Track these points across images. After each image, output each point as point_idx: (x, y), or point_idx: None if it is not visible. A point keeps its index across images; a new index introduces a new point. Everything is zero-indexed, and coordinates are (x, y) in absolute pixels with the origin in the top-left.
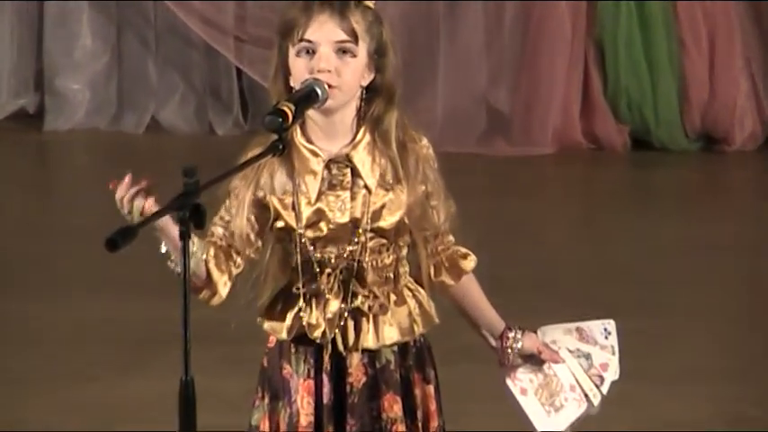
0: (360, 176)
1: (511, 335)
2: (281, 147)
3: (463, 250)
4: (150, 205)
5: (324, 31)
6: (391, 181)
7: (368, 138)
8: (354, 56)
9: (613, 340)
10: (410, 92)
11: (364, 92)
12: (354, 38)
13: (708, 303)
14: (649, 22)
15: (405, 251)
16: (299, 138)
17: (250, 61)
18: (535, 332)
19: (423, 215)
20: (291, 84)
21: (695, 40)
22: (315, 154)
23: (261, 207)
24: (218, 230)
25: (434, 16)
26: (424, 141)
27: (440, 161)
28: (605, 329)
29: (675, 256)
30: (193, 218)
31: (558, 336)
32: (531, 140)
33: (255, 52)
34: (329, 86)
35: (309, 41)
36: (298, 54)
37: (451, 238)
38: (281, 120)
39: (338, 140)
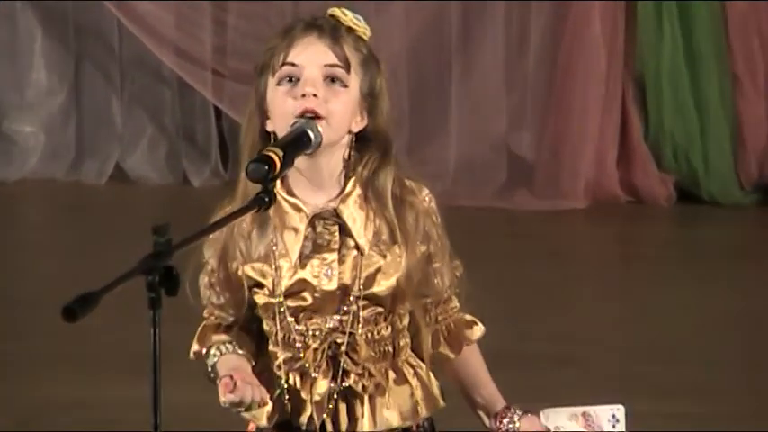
0: (350, 235)
1: (507, 416)
2: (267, 200)
3: (468, 318)
4: (265, 394)
5: (311, 52)
6: (388, 241)
7: (358, 191)
8: (345, 86)
9: (621, 427)
10: (418, 138)
11: (354, 139)
12: (346, 65)
13: (764, 388)
14: (698, 55)
15: (405, 321)
16: (278, 189)
17: (231, 99)
18: (538, 415)
19: (423, 280)
20: (269, 128)
21: (751, 75)
22: (297, 208)
23: (236, 284)
24: (224, 317)
25: (446, 48)
26: (425, 193)
27: (453, 217)
28: (613, 416)
29: (727, 330)
30: (165, 283)
31: (562, 421)
32: (559, 193)
33: (237, 89)
34: (316, 117)
35: (293, 64)
36: (279, 83)
37: (456, 304)
38: (267, 168)
39: (324, 192)
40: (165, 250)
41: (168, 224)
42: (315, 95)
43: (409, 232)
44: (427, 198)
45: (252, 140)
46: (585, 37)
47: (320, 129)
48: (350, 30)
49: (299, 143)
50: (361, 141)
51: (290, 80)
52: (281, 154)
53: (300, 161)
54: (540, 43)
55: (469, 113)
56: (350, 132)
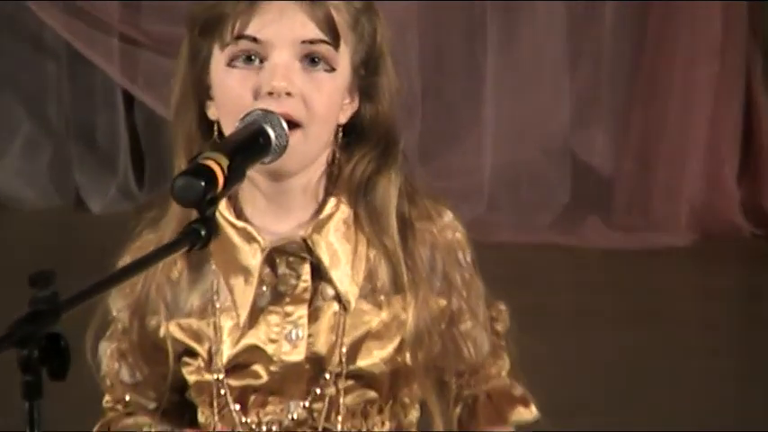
0: (328, 279)
1: None
2: (203, 233)
3: (518, 392)
4: None
5: (283, 21)
6: (386, 288)
7: (344, 211)
8: (332, 68)
9: None
10: (434, 137)
11: (341, 133)
12: (334, 37)
13: None
14: None
15: (414, 414)
16: (222, 211)
17: (148, 79)
18: None
19: (443, 351)
20: (211, 115)
21: None
22: (249, 237)
23: (157, 352)
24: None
25: (478, 4)
26: (447, 219)
27: (487, 257)
28: None
29: None
30: (48, 360)
31: None
32: (650, 222)
33: (158, 64)
34: (290, 123)
35: (254, 40)
36: (230, 63)
37: (501, 366)
38: (203, 184)
39: (291, 214)
40: (48, 310)
41: (53, 271)
42: (288, 93)
43: (421, 275)
44: (451, 226)
45: (186, 134)
46: None
47: (285, 128)
48: None
49: (253, 147)
50: (351, 133)
51: (250, 59)
52: (225, 163)
53: (257, 175)
54: (621, 7)
55: (513, 101)
56: (337, 124)
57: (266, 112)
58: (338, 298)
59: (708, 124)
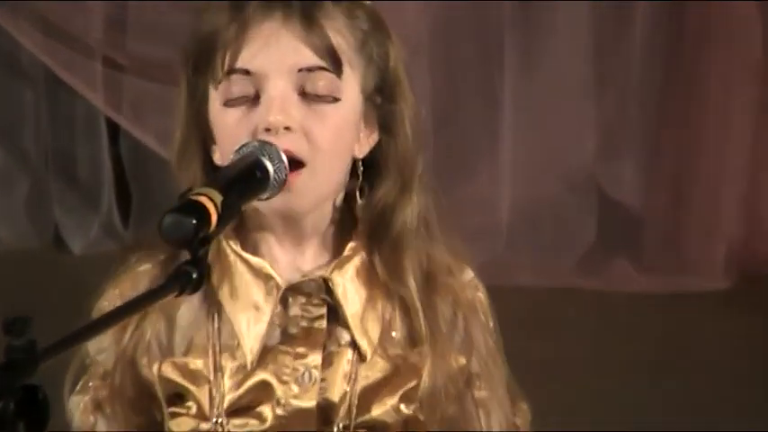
0: (345, 324)
1: None
2: (195, 276)
3: None
4: None
5: (274, 49)
6: (402, 341)
7: (362, 256)
8: (336, 99)
9: None
10: (446, 168)
11: (361, 167)
12: (334, 62)
13: None
14: None
15: None
16: (231, 244)
17: (135, 107)
18: None
19: (459, 410)
20: (218, 162)
21: None
22: (263, 275)
23: (143, 397)
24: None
25: (495, 23)
26: (468, 276)
27: (506, 303)
28: None
29: None
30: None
31: None
32: (683, 263)
33: (145, 90)
34: (292, 161)
35: (246, 72)
36: (226, 102)
37: (524, 406)
38: (194, 222)
39: (307, 251)
40: (24, 360)
41: (30, 317)
42: (287, 128)
43: (440, 328)
44: (472, 285)
45: (191, 183)
46: (727, 6)
47: (284, 160)
48: None
49: (249, 182)
50: (373, 168)
51: (245, 95)
52: (218, 199)
53: (269, 209)
54: (651, 16)
55: (532, 129)
56: (354, 158)
57: (263, 144)
58: (353, 345)
59: (747, 154)
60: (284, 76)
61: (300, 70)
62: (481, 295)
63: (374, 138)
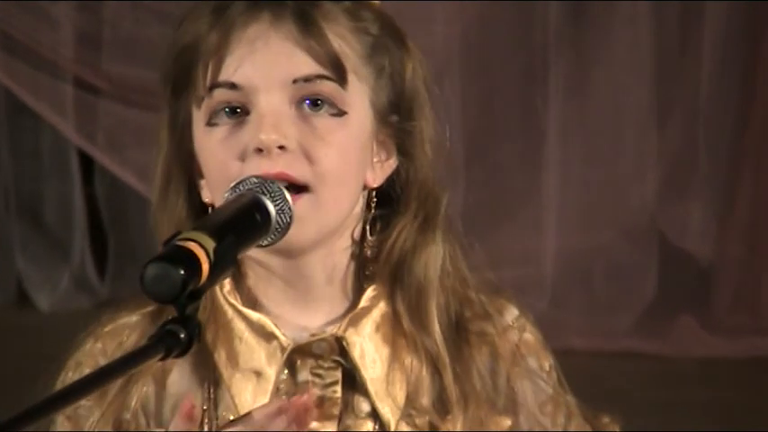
0: (364, 392)
1: None
2: (183, 337)
3: None
4: None
5: (264, 59)
6: (430, 407)
7: (383, 306)
8: (341, 112)
9: None
10: (480, 212)
11: (374, 199)
12: (337, 70)
13: None
14: None
15: None
16: (228, 297)
17: (110, 137)
18: None
19: None
20: (206, 200)
21: None
22: (266, 334)
23: None
24: None
25: (537, 47)
26: (511, 316)
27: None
28: None
29: None
30: None
31: None
32: (760, 323)
33: (123, 116)
34: (293, 189)
35: (232, 85)
36: (209, 121)
37: (606, 419)
38: (182, 273)
39: (316, 306)
40: None
41: None
42: (282, 147)
43: (474, 388)
44: (516, 326)
45: (174, 224)
46: None
47: (289, 200)
48: None
49: (247, 226)
50: (388, 200)
51: (232, 112)
52: (211, 246)
53: (271, 257)
54: (722, 32)
55: (582, 166)
56: (365, 188)
57: (263, 180)
58: (374, 415)
59: None
60: (276, 87)
61: (296, 81)
62: (529, 336)
63: (391, 164)
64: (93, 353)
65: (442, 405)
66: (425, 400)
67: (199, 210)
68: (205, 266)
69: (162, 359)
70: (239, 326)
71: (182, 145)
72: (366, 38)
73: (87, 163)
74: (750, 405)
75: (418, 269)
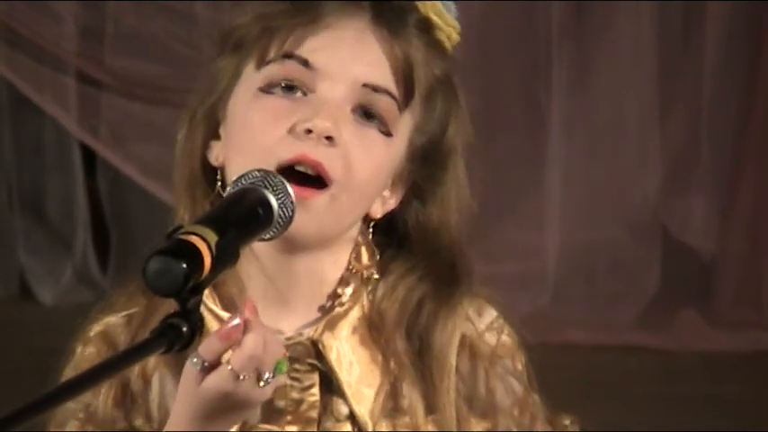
0: (341, 394)
1: None
2: (184, 330)
3: None
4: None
5: (345, 50)
6: (413, 407)
7: (360, 309)
8: (388, 132)
9: None
10: (488, 210)
11: (370, 229)
12: (406, 90)
13: None
14: None
15: None
16: (205, 301)
17: (113, 130)
18: None
19: None
20: (214, 162)
21: None
22: None
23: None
24: None
25: (542, 43)
26: (489, 317)
27: (554, 360)
28: None
29: None
30: None
31: None
32: (763, 317)
33: (126, 110)
34: (321, 175)
35: (305, 63)
36: (266, 88)
37: (566, 421)
38: (184, 266)
39: (294, 308)
40: None
41: None
42: (329, 138)
43: (450, 394)
44: (495, 327)
45: (189, 178)
46: None
47: (291, 194)
48: (426, 26)
49: (250, 220)
50: (381, 231)
51: (288, 89)
52: (213, 240)
53: (266, 249)
54: (726, 26)
55: (585, 161)
56: (366, 218)
57: (267, 174)
58: (353, 418)
59: None
60: (346, 83)
61: (365, 85)
62: (506, 338)
63: (393, 203)
64: (90, 358)
65: (422, 406)
66: (406, 401)
67: (207, 170)
68: (207, 260)
69: (164, 353)
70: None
71: (215, 104)
72: (434, 73)
73: (90, 157)
74: (752, 399)
75: (401, 285)
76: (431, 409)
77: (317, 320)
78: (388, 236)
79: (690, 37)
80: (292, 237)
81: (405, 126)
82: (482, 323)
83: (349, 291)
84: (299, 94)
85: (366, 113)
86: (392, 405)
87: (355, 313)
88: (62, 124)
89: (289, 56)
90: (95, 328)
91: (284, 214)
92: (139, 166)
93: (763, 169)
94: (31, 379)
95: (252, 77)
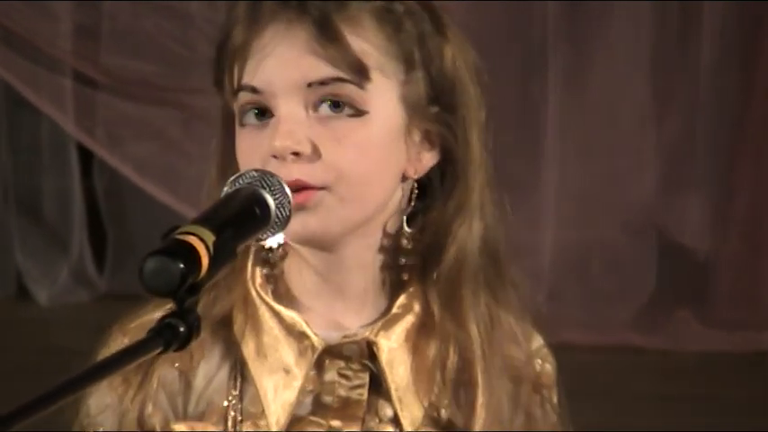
0: (387, 396)
1: None
2: (183, 331)
3: None
4: None
5: (280, 63)
6: (452, 418)
7: (417, 308)
8: (359, 112)
9: None
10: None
11: (415, 191)
12: (355, 70)
13: None
14: None
15: None
16: (260, 291)
17: (109, 130)
18: None
19: None
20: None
21: None
22: (297, 333)
23: None
24: None
25: (536, 44)
26: (537, 343)
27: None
28: None
29: None
30: None
31: None
32: (759, 317)
33: (122, 110)
34: (301, 188)
35: (253, 89)
36: (241, 122)
37: None
38: (181, 266)
39: (351, 303)
40: None
41: None
42: (296, 153)
43: (500, 407)
44: (540, 354)
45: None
46: None
47: (288, 193)
48: None
49: (246, 219)
50: (427, 193)
51: (261, 113)
52: (210, 239)
53: (306, 249)
54: (721, 21)
55: (581, 160)
56: (404, 179)
57: (263, 174)
58: (396, 421)
59: None
60: (291, 92)
61: (311, 84)
62: (549, 367)
63: (432, 157)
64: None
65: (463, 418)
66: (448, 411)
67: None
68: (204, 260)
69: (161, 353)
70: (270, 322)
71: (229, 139)
72: (393, 32)
73: (86, 157)
74: (747, 399)
75: (449, 254)
76: (470, 423)
77: (375, 320)
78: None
79: (686, 36)
80: (308, 239)
81: (382, 93)
82: (529, 348)
83: (403, 298)
84: (269, 116)
85: (333, 105)
86: (435, 415)
87: (412, 315)
88: (58, 124)
89: (240, 89)
90: (134, 321)
91: (281, 214)
92: (136, 165)
93: (759, 169)
94: (28, 378)
95: (235, 112)
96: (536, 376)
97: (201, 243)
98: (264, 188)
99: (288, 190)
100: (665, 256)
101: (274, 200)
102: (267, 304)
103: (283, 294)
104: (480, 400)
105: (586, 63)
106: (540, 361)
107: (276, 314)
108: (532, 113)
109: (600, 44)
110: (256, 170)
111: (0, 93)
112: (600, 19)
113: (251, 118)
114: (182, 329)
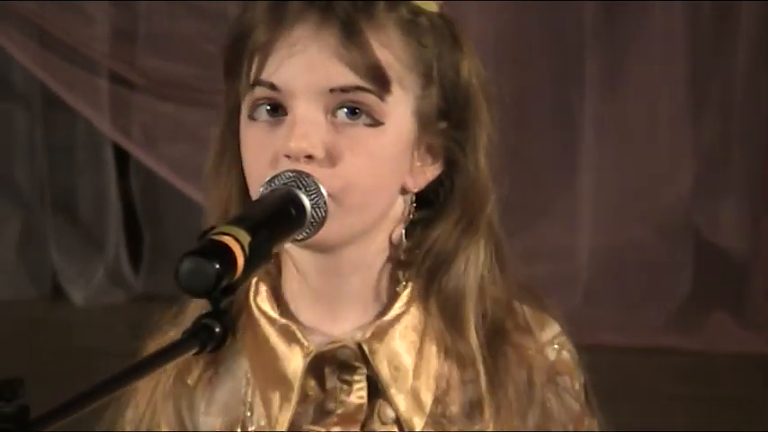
0: (387, 398)
1: None
2: (218, 332)
3: None
4: None
5: (304, 65)
6: (460, 415)
7: (415, 314)
8: (376, 122)
9: None
10: (520, 212)
11: (413, 203)
12: (378, 81)
13: None
14: None
15: None
16: (259, 302)
17: (145, 131)
18: None
19: None
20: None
21: None
22: (291, 338)
23: None
24: None
25: (573, 44)
26: (552, 332)
27: (584, 361)
28: None
29: None
30: None
31: None
32: None
33: (158, 111)
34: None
35: (271, 86)
36: (251, 114)
37: None
38: (217, 267)
39: (348, 310)
40: (14, 429)
41: (21, 379)
42: (309, 156)
43: (508, 401)
44: (556, 342)
45: (223, 205)
46: None
47: (324, 194)
48: None
49: (282, 220)
50: (430, 204)
51: (273, 110)
52: (246, 240)
53: (302, 252)
54: (758, 26)
55: (617, 163)
56: (404, 192)
57: (299, 175)
58: (398, 422)
59: None
60: (313, 95)
61: (333, 90)
62: (566, 355)
63: (434, 170)
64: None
65: (471, 414)
66: (455, 408)
67: (247, 191)
68: (240, 261)
69: (196, 353)
70: (268, 330)
71: (232, 127)
72: (416, 46)
73: (122, 157)
74: None
75: (457, 271)
76: (477, 418)
77: (369, 324)
78: (431, 203)
79: (722, 37)
80: (325, 242)
81: (399, 105)
82: (543, 337)
83: (401, 301)
84: (282, 114)
85: (350, 112)
86: (440, 411)
87: (408, 317)
88: (95, 125)
89: (257, 83)
90: (189, 315)
91: (317, 215)
92: (172, 165)
93: None
94: (63, 379)
95: (244, 105)
96: (551, 364)
97: (237, 244)
98: (300, 188)
99: (324, 190)
100: (701, 257)
101: (310, 200)
102: (266, 315)
103: (282, 307)
104: (485, 397)
105: (622, 66)
106: (556, 347)
107: (273, 323)
108: (569, 118)
109: (635, 47)
110: (292, 171)
111: (37, 93)
112: (635, 21)
113: (262, 113)
114: (217, 330)
